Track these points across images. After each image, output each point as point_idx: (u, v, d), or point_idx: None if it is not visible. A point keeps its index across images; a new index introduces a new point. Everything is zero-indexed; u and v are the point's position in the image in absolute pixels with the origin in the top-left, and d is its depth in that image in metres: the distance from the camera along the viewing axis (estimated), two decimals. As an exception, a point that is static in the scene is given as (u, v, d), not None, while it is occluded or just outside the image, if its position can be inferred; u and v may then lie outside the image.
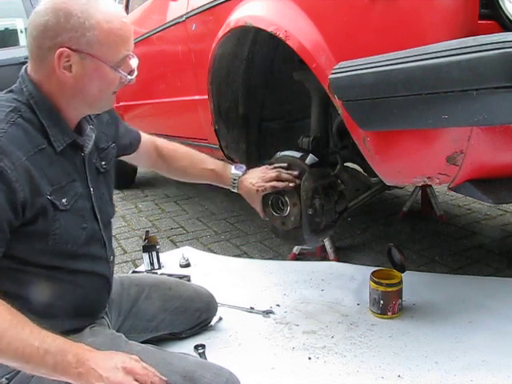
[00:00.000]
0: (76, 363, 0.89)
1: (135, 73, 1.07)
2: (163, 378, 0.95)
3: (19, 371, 1.02)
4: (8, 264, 0.98)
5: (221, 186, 1.49)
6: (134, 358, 0.96)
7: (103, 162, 1.20)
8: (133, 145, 1.40)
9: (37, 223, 0.98)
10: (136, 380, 0.91)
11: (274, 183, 1.39)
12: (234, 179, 1.44)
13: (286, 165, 1.43)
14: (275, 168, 1.43)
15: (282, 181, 1.39)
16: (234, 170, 1.46)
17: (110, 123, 1.28)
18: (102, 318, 1.23)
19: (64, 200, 1.03)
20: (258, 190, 1.41)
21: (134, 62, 1.06)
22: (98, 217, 1.15)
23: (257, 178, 1.43)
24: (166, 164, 1.47)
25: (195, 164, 1.47)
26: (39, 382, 1.01)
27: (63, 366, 0.89)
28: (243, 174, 1.45)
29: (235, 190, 1.46)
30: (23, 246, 0.99)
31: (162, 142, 1.48)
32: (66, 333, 1.03)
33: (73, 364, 0.89)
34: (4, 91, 1.05)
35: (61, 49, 0.96)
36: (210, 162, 1.48)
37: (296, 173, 1.40)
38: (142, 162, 1.51)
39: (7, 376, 1.03)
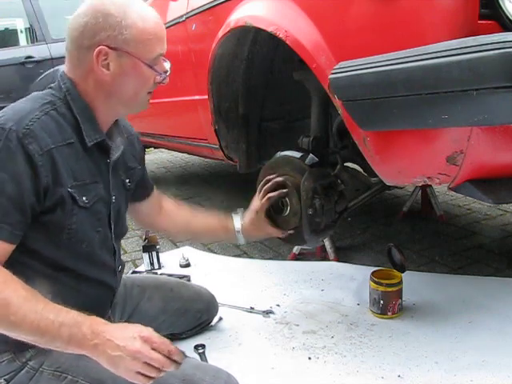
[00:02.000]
0: (91, 335, 0.89)
1: (168, 72, 1.09)
2: (178, 348, 0.95)
3: (18, 372, 1.02)
4: (17, 256, 0.98)
5: (224, 239, 1.46)
6: (149, 328, 0.96)
7: (128, 180, 1.22)
8: (147, 189, 1.39)
9: (55, 213, 0.99)
10: (153, 349, 0.91)
11: (267, 197, 1.40)
12: (238, 231, 1.42)
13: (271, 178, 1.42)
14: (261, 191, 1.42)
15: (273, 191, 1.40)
16: (236, 223, 1.43)
17: (138, 152, 1.30)
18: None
19: (84, 198, 1.04)
20: (257, 212, 1.41)
21: (167, 65, 1.09)
22: (112, 226, 1.15)
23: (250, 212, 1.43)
24: (168, 218, 1.43)
25: (199, 215, 1.46)
26: (38, 382, 1.02)
27: (78, 337, 0.89)
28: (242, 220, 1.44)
29: (242, 242, 1.45)
30: (39, 236, 1.00)
31: (168, 198, 1.49)
32: None
33: (88, 336, 0.89)
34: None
35: (99, 47, 0.99)
36: (213, 214, 1.47)
37: (280, 179, 1.40)
38: (142, 215, 1.42)
39: (5, 377, 1.03)
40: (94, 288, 1.13)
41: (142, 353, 0.89)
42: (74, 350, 0.91)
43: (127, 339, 0.90)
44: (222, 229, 1.43)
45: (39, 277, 1.01)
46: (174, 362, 0.93)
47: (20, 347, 1.02)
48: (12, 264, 0.96)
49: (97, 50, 1.00)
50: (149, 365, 0.89)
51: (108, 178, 1.12)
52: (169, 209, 1.45)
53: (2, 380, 1.03)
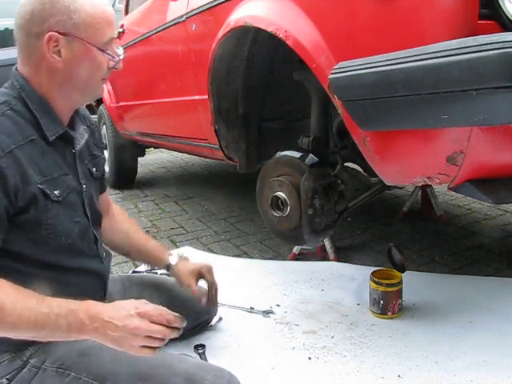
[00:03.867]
0: (89, 319, 0.90)
1: (121, 57, 1.09)
2: (176, 314, 0.98)
3: (20, 371, 1.02)
4: (0, 262, 0.98)
5: (154, 264, 1.44)
6: (143, 301, 0.97)
7: (94, 169, 1.21)
8: (103, 185, 1.36)
9: (29, 212, 0.98)
10: (152, 322, 0.92)
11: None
12: (170, 265, 1.39)
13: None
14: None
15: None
16: (172, 259, 1.40)
17: (99, 140, 1.29)
18: None
19: (56, 192, 1.03)
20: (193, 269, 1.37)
21: (119, 50, 1.08)
22: (88, 214, 1.15)
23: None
24: (112, 221, 1.39)
25: (140, 232, 1.45)
26: (39, 381, 1.02)
27: (77, 325, 0.90)
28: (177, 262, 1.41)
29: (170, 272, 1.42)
30: (18, 237, 0.99)
31: (115, 204, 1.47)
32: None
33: (86, 321, 0.90)
34: None
35: (49, 33, 0.98)
36: (153, 239, 1.47)
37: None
38: None
39: (7, 376, 1.03)
40: (82, 278, 1.12)
41: (141, 328, 0.91)
42: (77, 337, 0.93)
43: (125, 318, 0.92)
44: (156, 254, 1.41)
45: (26, 278, 1.00)
46: (175, 328, 0.96)
47: (20, 346, 1.03)
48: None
49: (46, 36, 0.98)
50: (151, 337, 0.92)
51: (76, 168, 1.12)
52: (116, 213, 1.43)
53: (4, 380, 1.02)
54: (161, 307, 0.97)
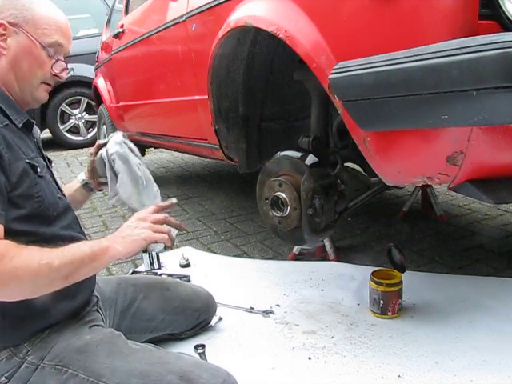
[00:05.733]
0: (108, 241, 1.07)
1: (66, 70, 1.16)
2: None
3: (18, 369, 1.03)
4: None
5: (77, 196, 1.45)
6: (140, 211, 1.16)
7: (46, 156, 1.24)
8: None
9: (22, 186, 1.03)
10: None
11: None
12: (82, 180, 1.45)
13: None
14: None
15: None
16: (79, 176, 1.47)
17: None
18: (97, 311, 1.23)
19: (39, 169, 1.08)
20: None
21: (63, 64, 1.15)
22: (63, 194, 1.21)
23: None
24: None
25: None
26: (39, 379, 1.02)
27: (103, 248, 1.05)
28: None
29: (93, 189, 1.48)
30: (17, 214, 1.02)
31: None
32: (67, 319, 1.10)
33: (107, 243, 1.06)
34: None
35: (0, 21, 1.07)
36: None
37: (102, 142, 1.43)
38: None
39: (6, 375, 1.03)
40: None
41: (145, 218, 1.12)
42: (110, 260, 1.08)
43: (131, 226, 1.10)
44: (74, 190, 1.45)
45: None
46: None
47: (16, 343, 1.04)
48: None
49: None
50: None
51: (41, 152, 1.17)
52: None
53: (3, 378, 1.03)
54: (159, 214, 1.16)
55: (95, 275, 1.24)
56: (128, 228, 1.10)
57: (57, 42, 1.12)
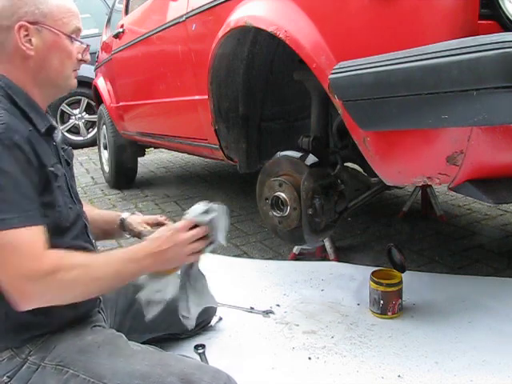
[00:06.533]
0: (144, 259, 1.06)
1: (88, 48, 1.15)
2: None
3: (19, 368, 1.03)
4: None
5: (111, 230, 1.42)
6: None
7: (68, 160, 1.23)
8: None
9: (46, 195, 1.03)
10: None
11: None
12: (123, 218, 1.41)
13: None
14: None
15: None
16: (123, 214, 1.43)
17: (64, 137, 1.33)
18: (99, 312, 1.23)
19: (58, 178, 1.08)
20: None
21: (84, 45, 1.14)
22: (76, 202, 1.18)
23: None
24: None
25: (95, 210, 1.47)
26: (40, 379, 1.02)
27: (138, 268, 1.06)
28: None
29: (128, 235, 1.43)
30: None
31: None
32: (69, 324, 1.10)
33: (143, 262, 1.05)
34: None
35: (19, 23, 1.02)
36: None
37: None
38: None
39: (8, 374, 1.03)
40: None
41: (185, 238, 1.08)
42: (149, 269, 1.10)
43: (167, 239, 1.07)
44: (109, 216, 1.44)
45: None
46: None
47: (19, 344, 1.04)
48: None
49: (17, 26, 1.02)
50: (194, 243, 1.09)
51: (59, 157, 1.15)
52: None
53: (5, 377, 1.03)
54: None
55: None
56: (173, 250, 1.07)
57: (77, 28, 1.10)
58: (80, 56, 1.12)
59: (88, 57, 1.15)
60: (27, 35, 1.04)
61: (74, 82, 1.16)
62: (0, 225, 0.92)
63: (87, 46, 1.14)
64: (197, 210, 1.12)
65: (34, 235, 0.96)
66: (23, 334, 1.05)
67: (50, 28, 1.05)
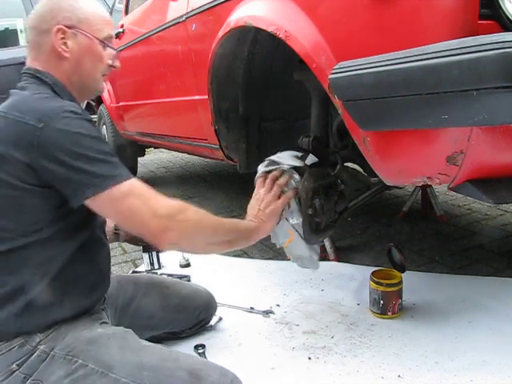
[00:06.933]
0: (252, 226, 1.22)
1: (118, 57, 1.23)
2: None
3: (29, 357, 1.04)
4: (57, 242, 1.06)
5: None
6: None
7: None
8: None
9: None
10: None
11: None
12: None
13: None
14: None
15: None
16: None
17: None
18: (102, 310, 1.24)
19: None
20: None
21: (114, 53, 1.21)
22: None
23: None
24: None
25: None
26: (48, 368, 1.03)
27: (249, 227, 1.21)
28: None
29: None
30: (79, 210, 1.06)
31: None
32: (81, 314, 1.12)
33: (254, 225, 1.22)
34: (19, 90, 1.11)
35: (57, 26, 1.11)
36: None
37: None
38: None
39: (17, 362, 1.04)
40: (97, 247, 1.19)
41: (273, 197, 1.29)
42: (261, 237, 1.25)
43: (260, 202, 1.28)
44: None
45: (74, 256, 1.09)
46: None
47: (30, 327, 1.05)
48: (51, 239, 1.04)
49: (55, 29, 1.10)
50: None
51: None
52: None
53: (14, 365, 1.04)
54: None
55: (110, 276, 1.26)
56: (262, 200, 1.26)
57: (109, 35, 1.18)
58: (110, 62, 1.19)
59: (118, 63, 1.22)
60: (63, 38, 1.11)
61: (103, 85, 1.23)
62: (118, 178, 1.01)
63: (117, 52, 1.21)
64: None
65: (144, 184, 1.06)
66: (37, 318, 1.05)
67: (85, 33, 1.13)
